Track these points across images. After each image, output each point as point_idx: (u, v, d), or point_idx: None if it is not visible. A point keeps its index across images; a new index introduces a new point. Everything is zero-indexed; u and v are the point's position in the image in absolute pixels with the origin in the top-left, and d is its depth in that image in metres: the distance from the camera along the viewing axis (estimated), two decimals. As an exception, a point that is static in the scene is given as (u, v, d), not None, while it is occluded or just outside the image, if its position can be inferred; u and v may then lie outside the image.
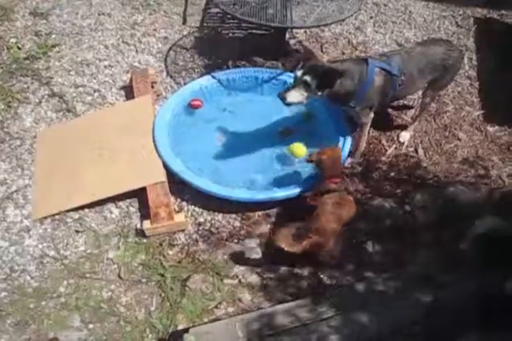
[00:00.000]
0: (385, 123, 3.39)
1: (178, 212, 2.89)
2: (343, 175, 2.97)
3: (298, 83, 2.65)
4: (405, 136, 3.31)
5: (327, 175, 2.69)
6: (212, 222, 2.90)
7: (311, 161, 2.74)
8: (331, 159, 2.69)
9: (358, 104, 2.83)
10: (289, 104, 2.73)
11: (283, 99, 2.67)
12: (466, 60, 3.84)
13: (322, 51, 3.95)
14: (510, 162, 3.22)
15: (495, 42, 4.02)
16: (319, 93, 2.68)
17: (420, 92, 3.24)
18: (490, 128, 3.44)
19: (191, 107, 3.38)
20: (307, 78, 2.60)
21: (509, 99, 3.46)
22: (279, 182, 2.94)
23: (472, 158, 3.23)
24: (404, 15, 4.35)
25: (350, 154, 3.12)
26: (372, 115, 2.97)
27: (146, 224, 2.74)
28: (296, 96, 2.66)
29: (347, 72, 2.67)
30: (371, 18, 4.33)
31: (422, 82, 2.98)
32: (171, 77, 3.74)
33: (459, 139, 3.35)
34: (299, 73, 2.64)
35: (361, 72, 2.72)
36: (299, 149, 3.01)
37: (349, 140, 3.06)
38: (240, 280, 2.62)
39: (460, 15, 4.36)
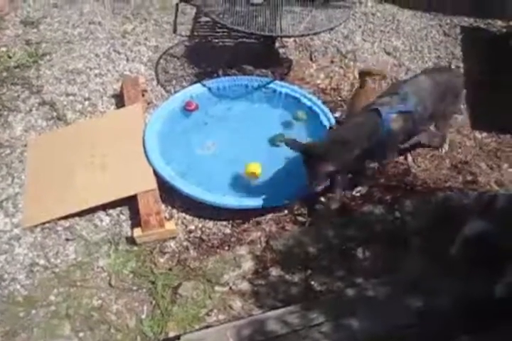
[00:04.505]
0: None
1: (168, 219, 2.89)
2: None
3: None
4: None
5: None
6: (203, 229, 2.89)
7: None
8: None
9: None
10: None
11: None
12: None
13: (311, 60, 3.99)
14: (498, 168, 3.25)
15: (481, 50, 4.08)
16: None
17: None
18: (478, 135, 3.48)
19: (187, 110, 3.40)
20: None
21: (496, 105, 3.50)
22: (270, 190, 2.94)
23: (460, 164, 3.26)
24: (393, 24, 4.41)
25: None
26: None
27: (137, 232, 2.74)
28: None
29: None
30: (360, 27, 4.38)
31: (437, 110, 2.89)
32: (162, 85, 3.76)
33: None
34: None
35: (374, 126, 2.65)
36: (252, 167, 3.02)
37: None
38: (230, 288, 2.61)
39: (447, 24, 4.42)
